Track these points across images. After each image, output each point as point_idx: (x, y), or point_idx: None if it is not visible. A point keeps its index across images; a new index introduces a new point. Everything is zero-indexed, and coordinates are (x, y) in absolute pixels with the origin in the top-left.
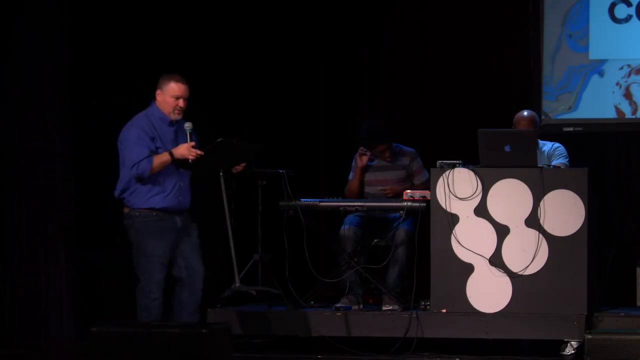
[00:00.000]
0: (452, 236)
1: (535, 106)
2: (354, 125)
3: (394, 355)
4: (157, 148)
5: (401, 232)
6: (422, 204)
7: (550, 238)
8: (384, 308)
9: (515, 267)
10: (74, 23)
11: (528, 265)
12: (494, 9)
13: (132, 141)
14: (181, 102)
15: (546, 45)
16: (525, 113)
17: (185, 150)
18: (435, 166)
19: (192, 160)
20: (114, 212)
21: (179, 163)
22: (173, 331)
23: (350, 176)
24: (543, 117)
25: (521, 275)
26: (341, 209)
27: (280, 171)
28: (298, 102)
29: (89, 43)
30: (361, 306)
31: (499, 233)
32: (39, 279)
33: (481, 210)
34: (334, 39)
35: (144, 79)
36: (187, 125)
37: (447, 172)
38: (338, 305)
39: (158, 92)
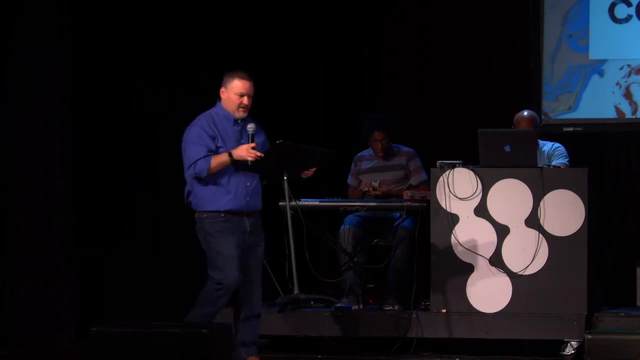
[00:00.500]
0: (452, 236)
1: (535, 106)
2: (354, 126)
3: (394, 355)
4: (218, 148)
5: (402, 231)
6: (422, 204)
7: (550, 238)
8: (385, 308)
9: (515, 267)
10: (74, 23)
11: (528, 265)
12: (494, 9)
13: (190, 141)
14: (245, 100)
15: (546, 45)
16: (526, 113)
17: (244, 151)
18: (435, 166)
19: (251, 162)
20: (114, 212)
21: (239, 164)
22: (173, 331)
23: (349, 180)
24: (543, 117)
25: (521, 275)
26: (341, 209)
27: None
28: (298, 102)
29: (89, 43)
30: (361, 306)
31: (499, 233)
32: (39, 279)
33: (481, 210)
34: (334, 39)
35: (144, 79)
36: (250, 127)
37: (447, 172)
38: (338, 305)
39: (222, 90)
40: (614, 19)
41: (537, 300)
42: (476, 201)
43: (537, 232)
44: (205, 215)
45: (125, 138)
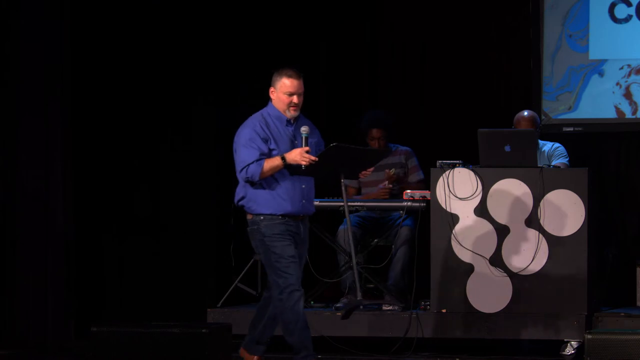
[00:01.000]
0: (452, 236)
1: (535, 106)
2: (354, 126)
3: (394, 355)
4: (271, 150)
5: (403, 231)
6: (422, 204)
7: (550, 238)
8: (384, 308)
9: (515, 267)
10: (74, 23)
11: (528, 265)
12: (494, 9)
13: (242, 143)
14: (295, 99)
15: (546, 45)
16: (526, 113)
17: (298, 155)
18: (435, 166)
19: (305, 166)
20: (114, 212)
21: (292, 168)
22: (173, 331)
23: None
24: (543, 117)
25: (521, 275)
26: (341, 209)
27: None
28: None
29: (89, 43)
30: (361, 306)
31: (499, 233)
32: (39, 278)
33: (481, 210)
34: (334, 39)
35: (145, 79)
36: (304, 129)
37: (447, 172)
38: (338, 305)
39: (271, 90)
40: (614, 19)
41: (537, 300)
42: (476, 201)
43: (537, 232)
44: (262, 218)
45: (125, 138)
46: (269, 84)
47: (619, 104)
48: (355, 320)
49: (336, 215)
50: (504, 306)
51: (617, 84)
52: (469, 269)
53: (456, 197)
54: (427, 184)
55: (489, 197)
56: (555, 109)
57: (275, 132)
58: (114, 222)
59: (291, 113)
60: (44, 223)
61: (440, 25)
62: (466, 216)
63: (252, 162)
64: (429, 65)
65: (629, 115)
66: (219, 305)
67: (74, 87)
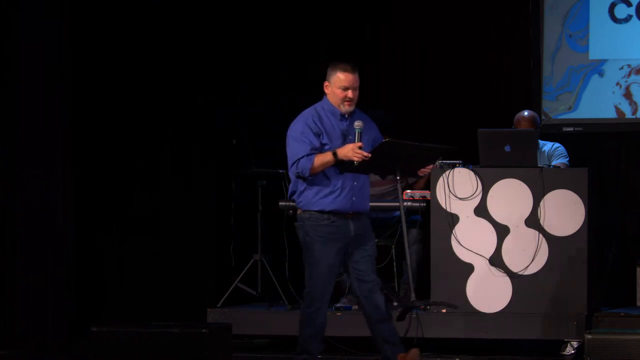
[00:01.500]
0: (452, 236)
1: (535, 106)
2: None
3: None
4: (323, 145)
5: (414, 231)
6: (422, 204)
7: (550, 238)
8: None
9: (515, 267)
10: (74, 23)
11: (528, 265)
12: (494, 9)
13: (293, 137)
14: (350, 93)
15: (546, 45)
16: (526, 113)
17: (350, 151)
18: (435, 166)
19: (357, 162)
20: (114, 212)
21: (344, 165)
22: (173, 331)
23: None
24: (543, 117)
25: (521, 275)
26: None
27: (280, 171)
28: (298, 101)
29: (89, 43)
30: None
31: (499, 233)
32: (39, 278)
33: (481, 210)
34: (334, 39)
35: (145, 79)
36: (357, 124)
37: (447, 172)
38: (338, 305)
39: (326, 84)
40: (614, 19)
41: (537, 300)
42: (476, 201)
43: (537, 232)
44: (308, 216)
45: (125, 138)
46: (268, 83)
47: (619, 104)
48: (356, 320)
49: None
50: (504, 306)
51: (617, 84)
52: (469, 269)
53: (456, 197)
54: (428, 184)
55: (489, 197)
56: (555, 109)
57: (328, 127)
58: (114, 222)
59: (345, 108)
60: (44, 223)
61: (440, 25)
62: (466, 216)
63: (303, 157)
64: (429, 65)
65: (629, 115)
66: (219, 305)
67: (74, 87)
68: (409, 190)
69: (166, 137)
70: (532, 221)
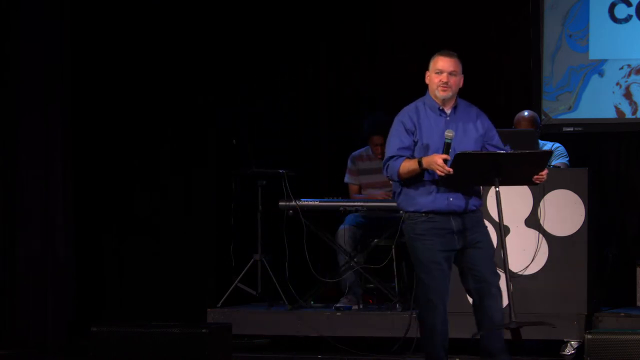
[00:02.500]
0: None
1: (535, 106)
2: (354, 126)
3: (394, 355)
4: (415, 143)
5: None
6: None
7: (550, 238)
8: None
9: (515, 267)
10: (74, 23)
11: (528, 265)
12: (494, 9)
13: (390, 134)
14: (444, 77)
15: (546, 45)
16: (526, 113)
17: (434, 164)
18: None
19: (440, 176)
20: (114, 212)
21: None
22: (173, 331)
23: (347, 179)
24: (543, 117)
25: (521, 275)
26: (341, 209)
27: (280, 171)
28: (298, 101)
29: (89, 43)
30: (361, 306)
31: (499, 233)
32: (39, 278)
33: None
34: (334, 39)
35: (145, 79)
36: (447, 134)
37: None
38: (338, 305)
39: (427, 74)
40: (614, 19)
41: (537, 300)
42: None
43: (537, 232)
44: (408, 216)
45: (125, 137)
46: (268, 83)
47: (619, 104)
48: (356, 320)
49: (336, 215)
50: (503, 306)
51: (617, 84)
52: None
53: None
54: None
55: (489, 197)
56: (555, 109)
57: (424, 123)
58: (114, 222)
59: (440, 93)
60: (44, 223)
61: (440, 25)
62: None
63: (391, 159)
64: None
65: (629, 115)
66: (219, 305)
67: (74, 87)
68: None
69: (166, 137)
70: (532, 221)
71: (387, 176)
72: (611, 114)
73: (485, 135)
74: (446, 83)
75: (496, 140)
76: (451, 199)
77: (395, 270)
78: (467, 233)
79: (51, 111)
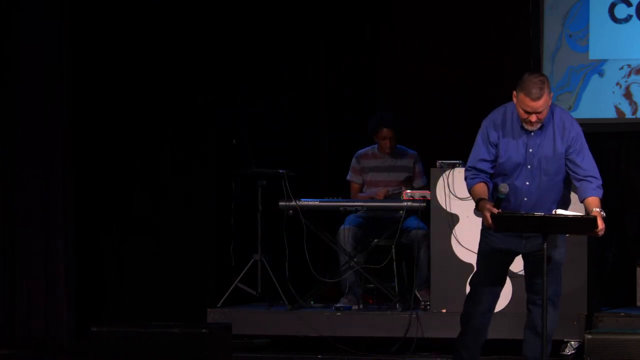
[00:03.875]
0: (452, 236)
1: None
2: (354, 126)
3: (394, 355)
4: (495, 157)
5: (419, 233)
6: (422, 204)
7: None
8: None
9: (515, 267)
10: (74, 23)
11: None
12: (494, 9)
13: (479, 134)
14: (533, 118)
15: (546, 45)
16: None
17: (484, 211)
18: (435, 166)
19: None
20: (114, 211)
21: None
22: (173, 331)
23: (350, 177)
24: None
25: (521, 276)
26: (341, 209)
27: (280, 171)
28: (298, 101)
29: (89, 43)
30: (361, 306)
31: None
32: (39, 278)
33: None
34: (334, 39)
35: (144, 79)
36: (502, 190)
37: (447, 172)
38: (338, 305)
39: (514, 93)
40: (614, 19)
41: None
42: None
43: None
44: (481, 229)
45: (125, 137)
46: (268, 83)
47: (619, 104)
48: (356, 320)
49: (336, 215)
50: (504, 306)
51: (617, 84)
52: (469, 269)
53: (456, 197)
54: (428, 184)
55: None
56: None
57: (508, 135)
58: (114, 222)
59: (527, 127)
60: (44, 223)
61: (440, 25)
62: (466, 216)
63: (470, 172)
64: (429, 65)
65: (629, 115)
66: (219, 305)
67: (74, 87)
68: (408, 191)
69: (166, 137)
70: None
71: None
72: (611, 114)
73: (567, 152)
74: (534, 123)
75: (574, 154)
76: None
77: (395, 270)
78: (533, 250)
79: (51, 111)
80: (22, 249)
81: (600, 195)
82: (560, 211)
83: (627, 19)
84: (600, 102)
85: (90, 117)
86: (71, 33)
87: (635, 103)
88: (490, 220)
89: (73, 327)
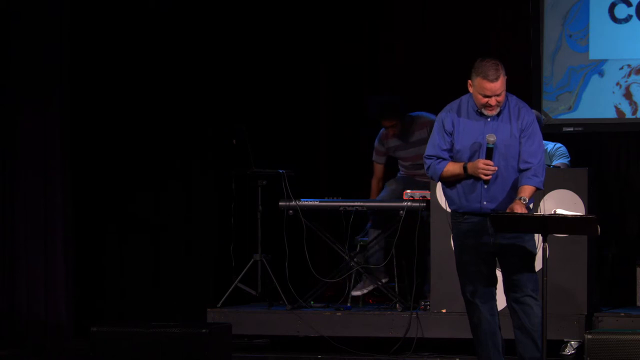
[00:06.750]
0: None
1: (535, 106)
2: (354, 125)
3: (394, 355)
4: (451, 146)
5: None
6: (422, 204)
7: (550, 238)
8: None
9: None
10: (74, 23)
11: None
12: (494, 9)
13: (432, 132)
14: (493, 101)
15: (546, 45)
16: None
17: (477, 169)
18: None
19: (485, 180)
20: (114, 211)
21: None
22: (173, 331)
23: (375, 158)
24: (543, 117)
25: None
26: (341, 209)
27: (280, 171)
28: (298, 101)
29: (88, 43)
30: (381, 282)
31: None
32: (39, 278)
33: None
34: (335, 39)
35: (144, 79)
36: (489, 139)
37: None
38: (354, 293)
39: (469, 82)
40: (614, 19)
41: None
42: None
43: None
44: (450, 212)
45: (125, 137)
46: (269, 84)
47: (619, 104)
48: (356, 320)
49: (336, 215)
50: (504, 306)
51: (617, 84)
52: None
53: None
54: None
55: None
56: (555, 109)
57: (464, 121)
58: (114, 222)
59: (487, 113)
60: (44, 223)
61: (440, 25)
62: None
63: (434, 162)
64: (429, 66)
65: (629, 115)
66: (219, 305)
67: (73, 87)
68: (408, 190)
69: (166, 137)
70: None
71: (428, 174)
72: (611, 114)
73: (527, 129)
74: (493, 106)
75: (525, 138)
76: (485, 203)
77: (395, 270)
78: (504, 236)
79: (50, 111)
80: (22, 249)
81: (535, 184)
82: (560, 211)
83: (627, 19)
84: (600, 102)
85: (89, 117)
86: (71, 33)
87: (635, 103)
88: (489, 170)
89: (73, 327)
